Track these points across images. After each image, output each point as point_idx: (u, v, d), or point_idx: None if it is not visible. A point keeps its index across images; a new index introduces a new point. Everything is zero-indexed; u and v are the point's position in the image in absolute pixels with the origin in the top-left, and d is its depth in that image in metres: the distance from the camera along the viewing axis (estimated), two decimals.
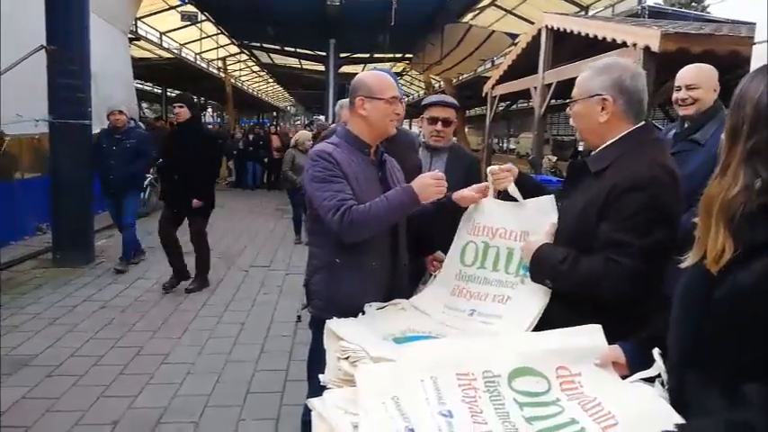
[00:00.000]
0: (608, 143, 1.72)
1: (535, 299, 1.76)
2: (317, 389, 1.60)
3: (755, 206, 0.98)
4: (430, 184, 1.94)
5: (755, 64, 2.58)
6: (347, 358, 1.58)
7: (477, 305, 1.95)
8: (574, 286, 1.64)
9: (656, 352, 1.25)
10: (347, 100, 2.39)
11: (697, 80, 2.75)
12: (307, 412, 1.88)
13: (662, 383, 1.23)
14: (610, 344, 1.40)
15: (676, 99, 2.83)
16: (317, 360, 1.91)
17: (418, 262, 2.55)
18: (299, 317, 4.78)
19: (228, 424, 3.14)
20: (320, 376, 1.62)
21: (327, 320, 1.88)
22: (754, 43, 2.85)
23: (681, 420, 1.10)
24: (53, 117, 6.43)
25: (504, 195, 2.06)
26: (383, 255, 2.16)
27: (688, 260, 1.13)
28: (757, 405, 0.94)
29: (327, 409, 1.37)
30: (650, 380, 1.27)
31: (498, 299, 1.91)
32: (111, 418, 3.15)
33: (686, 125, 2.81)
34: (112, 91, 9.87)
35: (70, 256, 6.49)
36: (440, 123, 2.92)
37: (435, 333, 1.82)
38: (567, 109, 1.84)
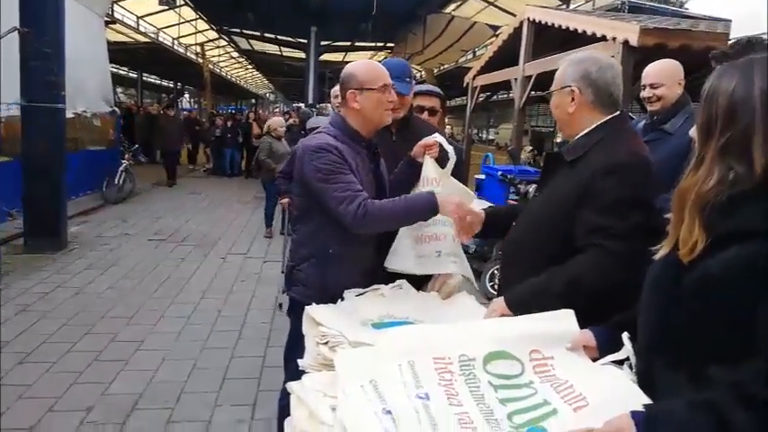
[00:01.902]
0: (582, 133, 1.78)
1: None
2: (294, 374, 1.60)
3: (725, 198, 1.02)
4: (453, 202, 1.96)
5: None
6: (326, 343, 1.59)
7: (439, 246, 2.17)
8: (563, 289, 1.62)
9: (625, 336, 1.29)
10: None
11: (658, 78, 2.84)
12: (284, 396, 1.90)
13: (630, 366, 1.27)
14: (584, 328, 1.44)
15: (643, 96, 2.94)
16: (295, 346, 1.92)
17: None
18: (280, 304, 4.78)
19: (205, 409, 3.14)
20: (299, 361, 1.63)
21: (306, 306, 1.89)
22: (729, 40, 2.90)
23: (648, 401, 1.14)
24: (25, 100, 6.28)
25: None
26: (371, 244, 2.19)
27: (661, 250, 1.16)
28: (720, 385, 0.98)
29: (306, 393, 1.39)
30: (620, 363, 1.30)
31: (453, 236, 2.17)
32: (86, 405, 3.12)
33: (655, 117, 2.91)
34: (85, 76, 9.67)
35: (42, 243, 6.37)
36: (426, 113, 2.90)
37: (413, 318, 1.85)
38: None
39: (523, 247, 1.87)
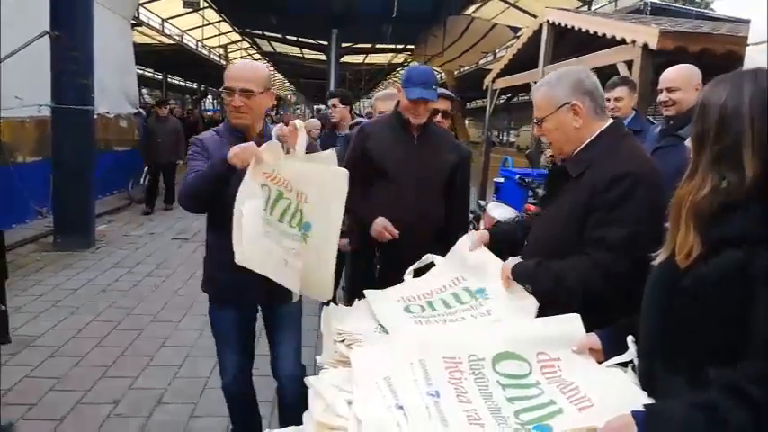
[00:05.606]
0: (583, 145, 1.76)
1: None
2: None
3: (718, 206, 1.07)
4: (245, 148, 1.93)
5: (748, 66, 2.65)
6: (343, 341, 1.67)
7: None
8: (547, 283, 1.70)
9: (629, 339, 1.34)
10: (383, 92, 3.07)
11: (675, 82, 2.86)
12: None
13: (634, 368, 1.32)
14: (588, 331, 1.49)
15: (659, 101, 2.95)
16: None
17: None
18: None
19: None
20: (317, 357, 1.71)
21: (325, 307, 1.97)
22: (748, 45, 2.90)
23: (650, 402, 1.19)
24: (55, 102, 6.49)
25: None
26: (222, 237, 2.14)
27: (659, 256, 1.22)
28: (717, 386, 1.03)
29: (323, 388, 1.46)
30: (624, 365, 1.35)
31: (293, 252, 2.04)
32: (113, 398, 3.25)
33: (671, 122, 2.91)
34: (112, 78, 9.88)
35: (71, 240, 6.58)
36: (439, 115, 2.97)
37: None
38: (535, 130, 1.88)
39: None
